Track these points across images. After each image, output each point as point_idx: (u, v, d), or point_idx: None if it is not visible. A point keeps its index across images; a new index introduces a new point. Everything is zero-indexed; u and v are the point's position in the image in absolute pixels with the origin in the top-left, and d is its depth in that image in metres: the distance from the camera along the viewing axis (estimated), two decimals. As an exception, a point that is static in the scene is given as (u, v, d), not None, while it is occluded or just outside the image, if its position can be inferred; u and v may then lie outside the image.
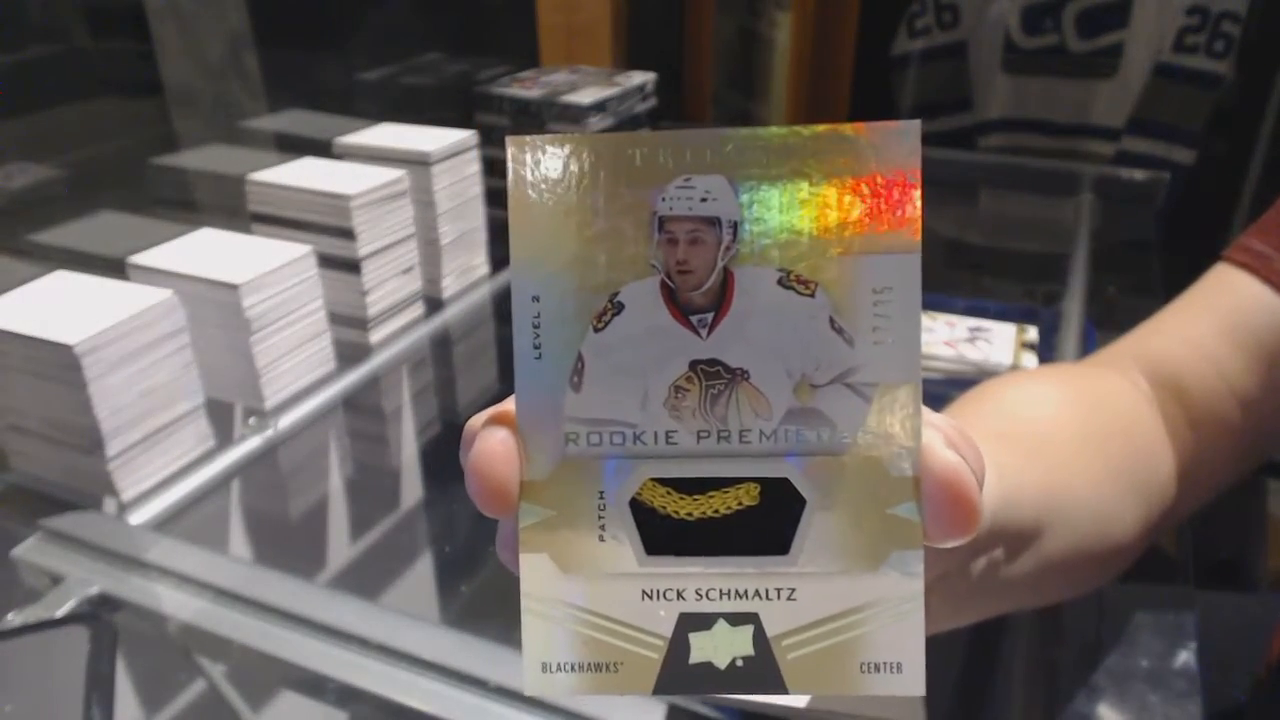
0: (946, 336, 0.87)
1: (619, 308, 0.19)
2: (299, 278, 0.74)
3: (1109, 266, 1.03)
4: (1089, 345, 0.84)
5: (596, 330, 0.19)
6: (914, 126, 0.19)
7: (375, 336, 0.85)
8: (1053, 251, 1.11)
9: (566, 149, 0.19)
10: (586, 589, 0.19)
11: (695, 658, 0.19)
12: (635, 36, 1.43)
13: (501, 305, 0.98)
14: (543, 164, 0.19)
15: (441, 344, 0.92)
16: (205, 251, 0.73)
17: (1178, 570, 0.58)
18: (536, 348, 0.19)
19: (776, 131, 0.19)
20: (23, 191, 0.81)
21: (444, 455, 0.92)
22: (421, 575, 0.70)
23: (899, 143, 0.19)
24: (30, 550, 0.59)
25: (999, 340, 0.86)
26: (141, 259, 0.72)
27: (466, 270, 0.97)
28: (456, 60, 1.27)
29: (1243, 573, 0.91)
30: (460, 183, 0.93)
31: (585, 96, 1.14)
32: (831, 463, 0.19)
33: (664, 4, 1.65)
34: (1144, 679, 0.49)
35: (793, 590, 0.19)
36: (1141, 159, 1.64)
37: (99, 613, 0.55)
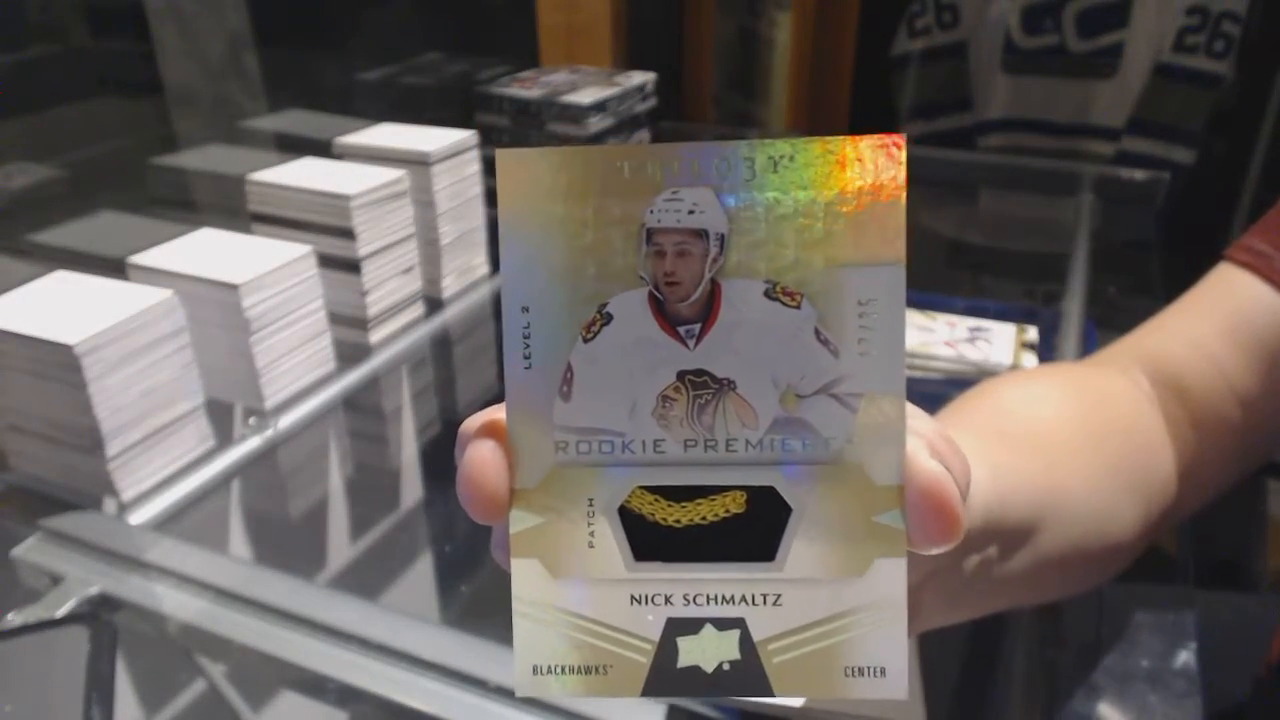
0: (946, 336, 0.87)
1: (608, 318, 0.19)
2: (299, 278, 0.74)
3: (1109, 266, 1.03)
4: (1089, 345, 0.84)
5: (585, 340, 0.19)
6: (900, 139, 0.19)
7: (375, 336, 0.85)
8: (1053, 251, 1.11)
9: (556, 162, 0.19)
10: (576, 594, 0.20)
11: (683, 661, 0.20)
12: (635, 36, 1.43)
13: (500, 305, 0.98)
14: (532, 177, 0.19)
15: (441, 344, 0.92)
16: (205, 251, 0.73)
17: (1178, 570, 0.58)
18: (526, 357, 0.20)
19: (763, 144, 0.19)
20: (23, 191, 0.81)
21: (444, 455, 0.91)
22: (421, 575, 0.70)
23: (885, 154, 0.19)
24: (30, 550, 0.59)
25: (999, 340, 0.86)
26: (141, 259, 0.72)
27: (466, 270, 0.97)
28: (456, 60, 1.27)
29: (1243, 573, 0.91)
30: (460, 183, 0.93)
31: (585, 96, 1.14)
32: (817, 471, 0.20)
33: (664, 4, 1.65)
34: (1144, 679, 0.49)
35: (778, 596, 0.20)
36: (1141, 159, 1.64)
37: (99, 613, 0.55)
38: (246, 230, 0.83)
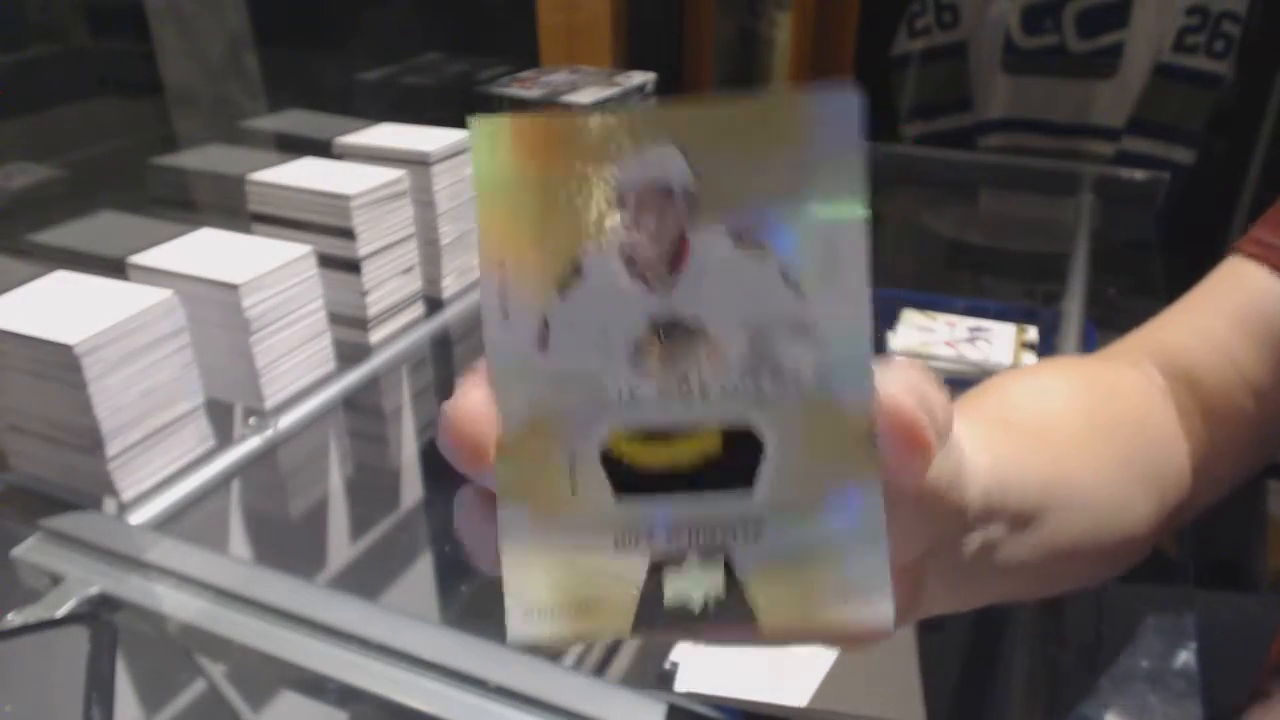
0: (946, 336, 0.87)
1: (581, 273, 0.20)
2: (299, 278, 0.74)
3: (1109, 266, 1.03)
4: (1089, 345, 0.84)
5: (560, 294, 0.20)
6: (855, 88, 0.20)
7: (375, 336, 0.85)
8: (1053, 251, 1.11)
9: (527, 126, 0.20)
10: (562, 539, 0.21)
11: (670, 600, 0.21)
12: (635, 36, 1.43)
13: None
14: (506, 140, 0.20)
15: (441, 344, 0.92)
16: (205, 251, 0.73)
17: (1178, 570, 0.58)
18: (503, 312, 0.20)
19: (725, 100, 0.20)
20: (23, 191, 0.81)
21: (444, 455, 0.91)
22: (421, 575, 0.70)
23: (841, 108, 0.20)
24: (30, 550, 0.59)
25: (999, 340, 0.86)
26: (141, 259, 0.72)
27: (466, 270, 0.97)
28: (456, 60, 1.27)
29: (1243, 573, 0.91)
30: (460, 183, 0.93)
31: (585, 96, 1.14)
32: (789, 408, 0.20)
33: (664, 4, 1.65)
34: (1144, 679, 0.49)
35: (760, 530, 0.20)
36: (1141, 159, 1.64)
37: (99, 613, 0.55)
38: (246, 230, 0.83)
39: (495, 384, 0.21)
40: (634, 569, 0.20)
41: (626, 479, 0.20)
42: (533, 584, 0.20)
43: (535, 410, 0.20)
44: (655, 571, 0.20)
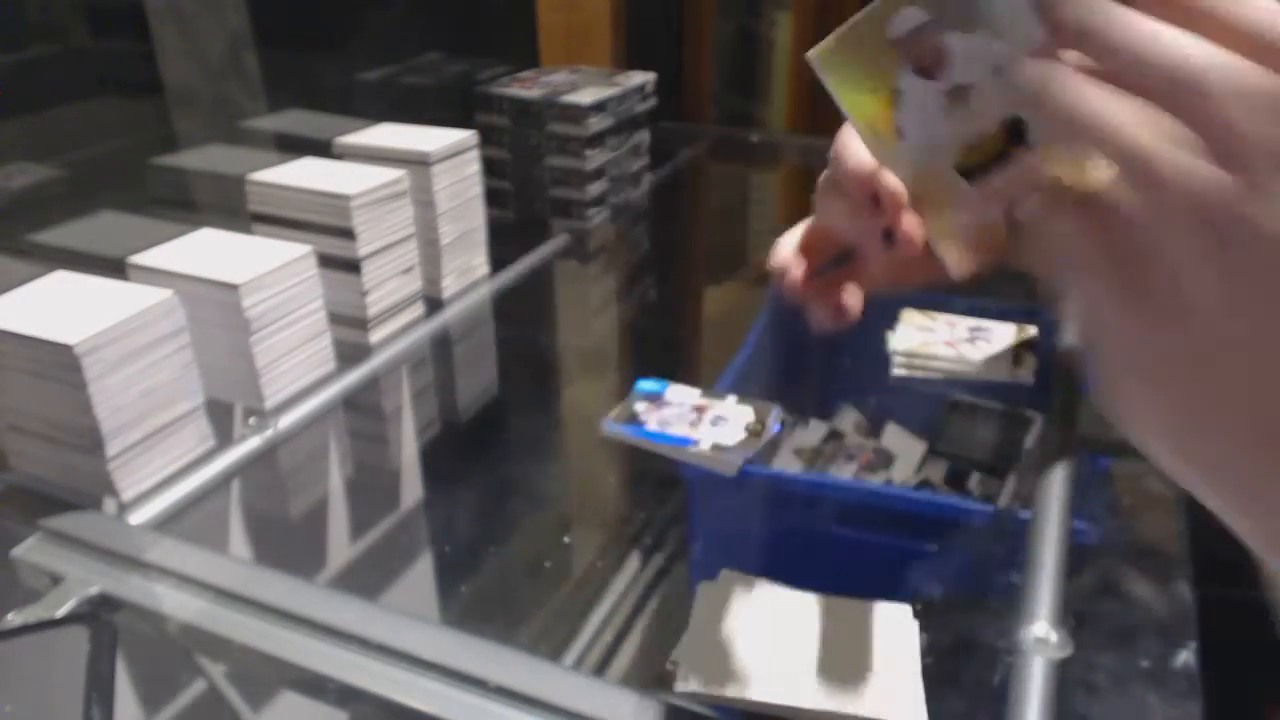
0: (946, 336, 0.87)
1: (903, 90, 0.35)
2: (299, 278, 0.74)
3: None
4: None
5: (896, 105, 0.35)
6: None
7: (375, 336, 0.85)
8: (1053, 251, 1.10)
9: (846, 32, 0.35)
10: (958, 220, 0.37)
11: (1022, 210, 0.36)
12: (635, 36, 1.43)
13: (500, 305, 0.98)
14: (841, 50, 0.35)
15: (441, 344, 0.92)
16: (205, 251, 0.73)
17: (1178, 570, 0.58)
18: (875, 139, 0.36)
19: None
20: (23, 191, 0.81)
21: (444, 455, 0.92)
22: (421, 575, 0.70)
23: None
24: (30, 550, 0.59)
25: (999, 340, 0.86)
26: (141, 259, 0.72)
27: (466, 270, 0.97)
28: (456, 60, 1.27)
29: (1243, 573, 0.91)
30: (460, 183, 0.93)
31: (585, 96, 1.14)
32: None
33: (664, 4, 1.65)
34: (1144, 679, 0.49)
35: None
36: (1141, 159, 1.64)
37: (99, 613, 0.55)
38: (246, 230, 0.83)
39: (894, 175, 0.38)
40: (996, 213, 0.36)
41: (970, 176, 0.35)
42: (952, 244, 0.37)
43: (914, 171, 0.37)
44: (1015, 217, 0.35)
